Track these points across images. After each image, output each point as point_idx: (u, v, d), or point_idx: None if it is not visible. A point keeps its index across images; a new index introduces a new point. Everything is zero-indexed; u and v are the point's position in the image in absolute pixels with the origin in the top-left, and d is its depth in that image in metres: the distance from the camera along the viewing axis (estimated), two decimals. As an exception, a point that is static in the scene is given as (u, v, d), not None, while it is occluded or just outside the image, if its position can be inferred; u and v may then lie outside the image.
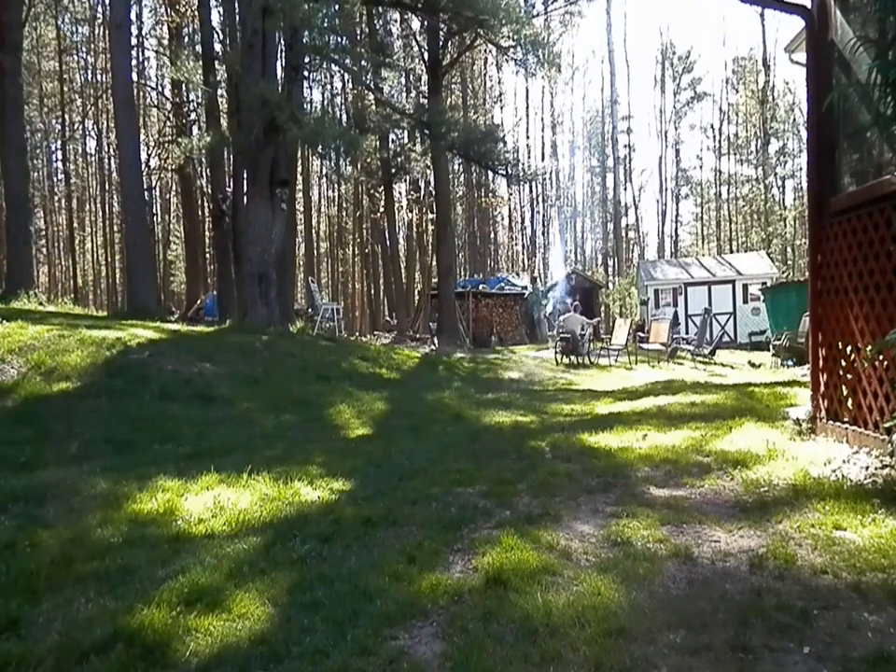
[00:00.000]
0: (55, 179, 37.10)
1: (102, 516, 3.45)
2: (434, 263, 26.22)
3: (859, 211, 3.97)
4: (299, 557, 2.90)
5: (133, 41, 24.90)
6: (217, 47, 19.28)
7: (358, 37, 20.30)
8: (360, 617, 2.35)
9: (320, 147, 13.15)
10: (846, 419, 4.18)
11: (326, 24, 12.56)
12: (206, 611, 2.40)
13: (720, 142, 46.70)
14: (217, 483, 4.04)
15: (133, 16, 24.98)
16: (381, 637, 2.23)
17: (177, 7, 21.58)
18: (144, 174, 21.38)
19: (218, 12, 21.51)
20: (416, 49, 23.57)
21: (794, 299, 13.96)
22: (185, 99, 25.76)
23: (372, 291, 35.74)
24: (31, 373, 6.50)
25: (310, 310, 17.99)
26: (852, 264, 4.05)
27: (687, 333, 20.93)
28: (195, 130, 24.58)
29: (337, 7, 12.77)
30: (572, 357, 13.84)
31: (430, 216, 28.41)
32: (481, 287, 23.92)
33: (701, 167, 49.79)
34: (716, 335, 20.36)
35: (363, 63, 17.11)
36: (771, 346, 14.62)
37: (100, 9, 29.43)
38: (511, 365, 13.27)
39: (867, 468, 3.60)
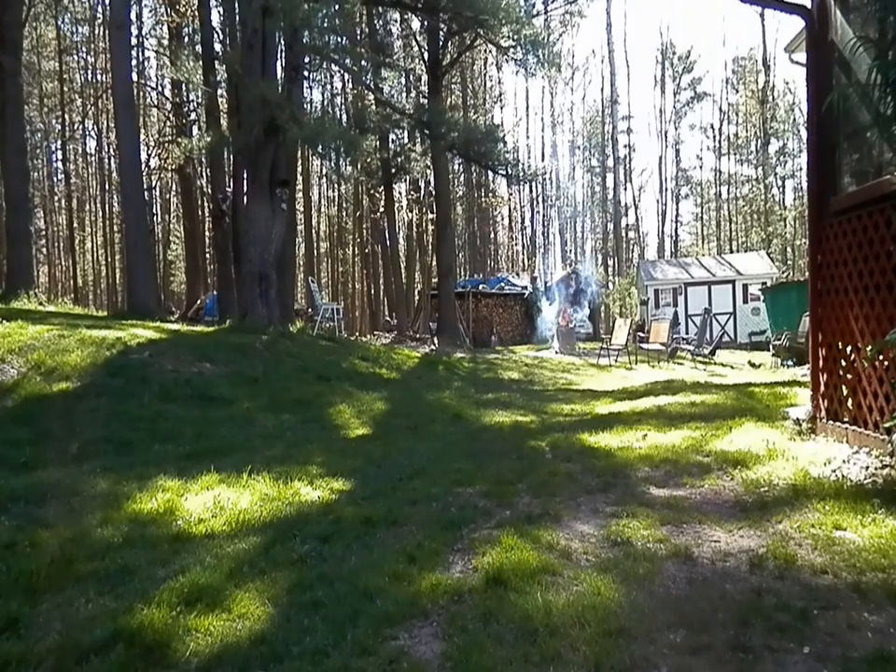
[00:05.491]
0: (55, 179, 37.11)
1: (102, 516, 3.45)
2: (434, 263, 26.23)
3: (859, 211, 3.97)
4: (299, 557, 2.90)
5: (133, 41, 24.91)
6: (217, 47, 19.26)
7: (358, 37, 20.30)
8: (360, 617, 2.35)
9: (320, 147, 13.13)
10: (846, 419, 4.18)
11: (326, 24, 12.54)
12: (206, 611, 2.40)
13: (720, 142, 46.72)
14: (216, 483, 4.04)
15: (133, 16, 24.99)
16: (381, 637, 2.23)
17: (177, 6, 21.55)
18: (144, 174, 21.39)
19: (218, 12, 21.55)
20: (416, 48, 23.57)
21: (794, 299, 13.96)
22: (185, 99, 25.75)
23: (372, 291, 35.72)
24: (31, 373, 6.49)
25: (310, 310, 18.01)
26: (852, 264, 4.05)
27: (687, 333, 20.95)
28: (195, 130, 24.58)
29: (337, 6, 12.74)
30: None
31: (430, 216, 28.40)
32: (481, 286, 23.94)
33: (701, 167, 49.88)
34: (716, 335, 20.36)
35: (363, 62, 17.10)
36: (771, 346, 14.61)
37: (100, 9, 29.47)
38: (510, 365, 13.27)
39: (867, 468, 3.60)
